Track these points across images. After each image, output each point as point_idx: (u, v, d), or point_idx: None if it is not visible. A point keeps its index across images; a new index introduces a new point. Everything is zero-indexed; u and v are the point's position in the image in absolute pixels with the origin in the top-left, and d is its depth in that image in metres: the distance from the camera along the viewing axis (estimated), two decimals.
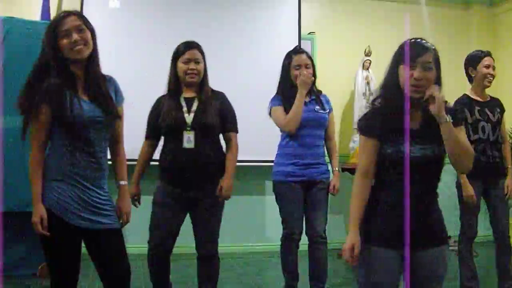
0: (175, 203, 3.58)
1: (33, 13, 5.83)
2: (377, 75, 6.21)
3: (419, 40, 2.47)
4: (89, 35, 2.69)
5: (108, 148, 2.85)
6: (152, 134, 3.75)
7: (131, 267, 2.86)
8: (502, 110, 4.47)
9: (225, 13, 6.57)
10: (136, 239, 5.84)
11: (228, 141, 3.77)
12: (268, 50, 6.47)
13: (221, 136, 3.77)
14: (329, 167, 4.16)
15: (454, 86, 5.34)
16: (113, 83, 2.86)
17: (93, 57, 2.73)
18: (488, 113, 4.36)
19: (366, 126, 2.52)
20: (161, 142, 3.77)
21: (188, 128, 3.55)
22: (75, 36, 2.63)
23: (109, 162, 2.86)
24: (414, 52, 2.40)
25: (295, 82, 3.97)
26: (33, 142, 2.63)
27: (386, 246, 2.45)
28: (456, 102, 4.41)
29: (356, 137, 6.36)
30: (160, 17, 6.39)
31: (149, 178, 3.81)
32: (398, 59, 2.48)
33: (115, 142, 2.91)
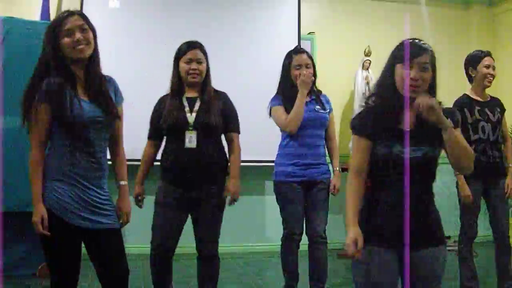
0: (177, 204, 3.57)
1: (33, 13, 5.83)
2: (377, 75, 6.20)
3: (416, 40, 2.47)
4: (91, 35, 2.70)
5: (107, 148, 2.85)
6: (154, 134, 3.74)
7: (131, 267, 2.86)
8: (503, 110, 4.46)
9: (224, 13, 6.58)
10: (136, 239, 5.86)
11: (230, 141, 3.76)
12: (268, 50, 6.48)
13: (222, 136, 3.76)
14: (330, 167, 4.16)
15: (454, 86, 5.35)
16: (113, 84, 2.86)
17: (94, 57, 2.73)
18: (488, 113, 4.35)
19: (359, 125, 2.52)
20: (162, 143, 3.77)
21: (190, 128, 3.55)
22: (78, 35, 2.63)
23: (109, 163, 2.85)
24: (412, 52, 2.40)
25: (295, 82, 3.97)
26: (33, 142, 2.63)
27: (384, 246, 2.45)
28: (456, 102, 4.41)
29: None
30: (160, 17, 6.40)
31: (150, 178, 3.81)
32: (394, 58, 2.48)
33: (115, 142, 2.91)
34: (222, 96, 3.73)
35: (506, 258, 4.36)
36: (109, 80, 2.84)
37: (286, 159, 4.02)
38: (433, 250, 2.48)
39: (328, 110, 4.09)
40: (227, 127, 3.71)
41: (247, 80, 6.27)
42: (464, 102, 4.38)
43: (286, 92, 4.01)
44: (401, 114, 2.48)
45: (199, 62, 3.61)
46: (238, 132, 3.77)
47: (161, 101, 3.71)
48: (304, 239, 4.03)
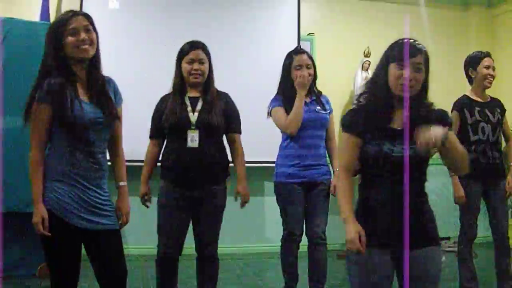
0: (179, 204, 3.57)
1: (33, 14, 5.82)
2: None
3: (411, 40, 2.47)
4: (95, 36, 2.70)
5: (107, 149, 2.85)
6: (156, 133, 3.72)
7: (130, 268, 2.86)
8: (503, 111, 4.46)
9: (224, 14, 6.57)
10: (136, 240, 5.87)
11: (232, 142, 3.78)
12: (268, 50, 6.48)
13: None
14: (330, 168, 4.16)
15: (453, 86, 5.37)
16: (113, 84, 2.87)
17: (96, 58, 2.74)
18: (488, 114, 4.36)
19: (350, 123, 2.53)
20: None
21: (193, 127, 3.54)
22: (83, 35, 2.64)
23: (108, 163, 2.85)
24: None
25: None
26: (33, 142, 2.63)
27: (376, 246, 2.45)
28: (456, 102, 4.42)
29: None
30: (160, 17, 6.40)
31: (151, 178, 3.79)
32: (388, 58, 2.49)
33: (114, 143, 2.91)
34: (224, 97, 3.73)
35: (506, 259, 4.36)
36: (109, 81, 2.84)
37: (286, 160, 4.02)
38: (426, 250, 2.47)
39: (328, 111, 4.09)
40: (229, 128, 3.72)
41: (247, 81, 6.27)
42: (464, 103, 4.39)
43: (287, 93, 4.00)
44: (392, 113, 2.49)
45: (201, 62, 3.60)
46: (240, 133, 3.78)
47: (163, 100, 3.70)
48: (304, 240, 4.04)
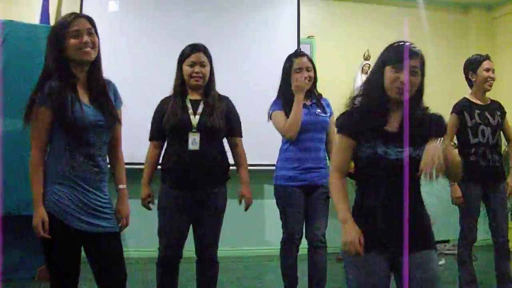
0: (180, 206, 3.56)
1: (33, 15, 5.83)
2: None
3: (408, 44, 2.47)
4: (97, 39, 2.70)
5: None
6: (157, 135, 3.72)
7: (130, 271, 2.86)
8: (503, 113, 4.46)
9: (224, 16, 6.58)
10: (136, 243, 5.86)
11: (234, 146, 3.79)
12: (268, 53, 6.49)
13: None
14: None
15: (453, 89, 5.37)
16: (112, 87, 2.87)
17: (97, 61, 2.74)
18: (488, 116, 4.35)
19: (345, 124, 2.54)
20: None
21: (194, 130, 3.54)
22: (85, 37, 2.64)
23: (108, 166, 2.85)
24: (403, 55, 2.41)
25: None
26: (33, 144, 2.63)
27: (373, 249, 2.44)
28: (456, 105, 4.42)
29: None
30: (160, 20, 6.40)
31: (152, 181, 3.79)
32: (384, 60, 2.48)
33: (114, 145, 2.91)
34: (225, 100, 3.73)
35: (506, 262, 4.35)
36: (109, 84, 2.84)
37: (286, 163, 4.01)
38: (423, 253, 2.46)
39: (328, 114, 4.08)
40: (230, 131, 3.73)
41: (246, 83, 6.27)
42: (464, 106, 4.39)
43: (287, 96, 4.00)
44: (387, 115, 2.49)
45: (202, 65, 3.60)
46: (241, 136, 3.80)
47: (164, 102, 3.70)
48: (303, 243, 4.03)
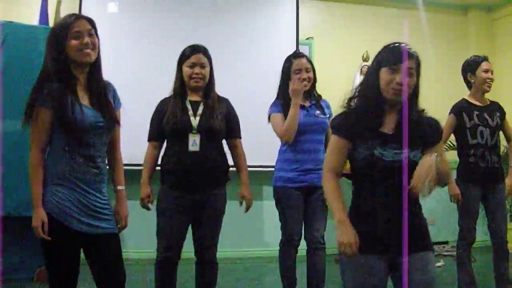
0: (179, 208, 3.55)
1: (32, 16, 5.83)
2: None
3: (403, 45, 2.47)
4: (97, 41, 2.70)
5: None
6: (156, 136, 3.71)
7: (129, 272, 2.86)
8: (503, 114, 4.46)
9: (223, 17, 6.57)
10: (135, 244, 5.85)
11: (234, 147, 3.79)
12: (267, 54, 6.49)
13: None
14: None
15: (453, 90, 5.38)
16: (112, 89, 2.87)
17: (97, 63, 2.74)
18: (487, 117, 4.36)
19: (340, 125, 2.54)
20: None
21: (194, 131, 3.54)
22: (86, 39, 2.64)
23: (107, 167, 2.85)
24: (398, 57, 2.41)
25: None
26: (33, 146, 2.63)
27: (370, 251, 2.44)
28: (455, 106, 4.42)
29: None
30: (159, 21, 6.40)
31: (151, 183, 3.79)
32: (379, 62, 2.48)
33: (113, 147, 2.91)
34: (224, 102, 3.74)
35: (504, 263, 4.35)
36: (108, 85, 2.84)
37: (285, 165, 4.01)
38: (420, 255, 2.46)
39: (328, 115, 4.08)
40: (230, 133, 3.73)
41: (246, 84, 6.27)
42: (462, 107, 4.39)
43: (286, 97, 3.99)
44: (383, 117, 2.49)
45: (202, 66, 3.60)
46: (241, 138, 3.80)
47: (163, 102, 3.70)
48: (302, 244, 4.03)
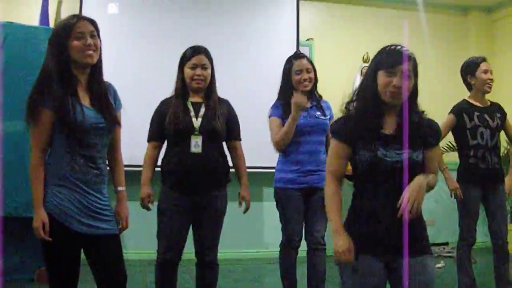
0: (181, 209, 3.55)
1: (32, 16, 5.83)
2: None
3: (400, 47, 2.47)
4: (99, 42, 2.70)
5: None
6: (157, 136, 3.70)
7: (129, 273, 2.86)
8: (503, 115, 4.46)
9: (223, 18, 6.57)
10: (135, 245, 5.85)
11: (233, 149, 3.79)
12: (267, 55, 6.50)
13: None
14: None
15: (453, 91, 5.37)
16: (112, 90, 2.87)
17: (98, 64, 2.74)
18: (488, 118, 4.36)
19: (340, 130, 2.53)
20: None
21: (196, 133, 3.54)
22: (89, 40, 2.64)
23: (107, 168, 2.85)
24: (395, 60, 2.41)
25: (296, 87, 3.97)
26: (33, 146, 2.62)
27: (370, 253, 2.44)
28: (455, 107, 4.43)
29: None
30: (159, 21, 6.40)
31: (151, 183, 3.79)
32: (377, 64, 2.48)
33: (113, 148, 2.91)
34: (225, 103, 3.74)
35: (505, 264, 4.35)
36: (109, 86, 2.84)
37: (286, 166, 4.01)
38: (420, 259, 2.46)
39: (328, 117, 4.08)
40: (230, 135, 3.73)
41: (246, 85, 6.28)
42: (463, 107, 4.39)
43: (287, 98, 4.00)
44: (383, 119, 2.49)
45: (204, 67, 3.60)
46: (240, 140, 3.81)
47: (164, 103, 3.69)
48: (302, 245, 4.03)
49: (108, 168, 2.86)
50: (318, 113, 4.03)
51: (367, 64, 6.76)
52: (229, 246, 5.34)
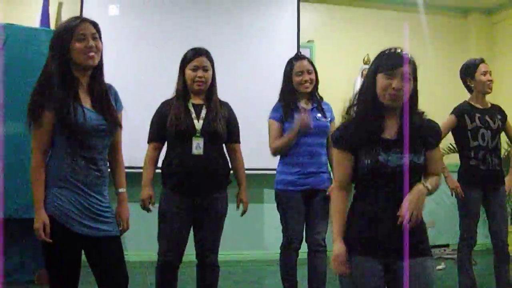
0: (182, 211, 3.55)
1: (33, 18, 5.83)
2: None
3: (399, 50, 2.48)
4: (101, 44, 2.71)
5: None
6: (158, 137, 3.70)
7: (130, 274, 2.86)
8: (504, 117, 4.47)
9: (224, 20, 6.58)
10: (136, 247, 5.85)
11: (233, 151, 3.80)
12: (267, 57, 6.50)
13: None
14: (331, 175, 4.14)
15: (453, 93, 5.37)
16: (113, 91, 2.87)
17: (99, 66, 2.75)
18: (489, 120, 4.36)
19: (341, 138, 2.53)
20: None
21: (198, 135, 3.54)
22: (91, 42, 2.64)
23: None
24: (394, 62, 2.41)
25: (297, 88, 3.97)
26: (34, 148, 2.63)
27: (369, 256, 2.44)
28: (457, 108, 4.42)
29: None
30: (160, 23, 6.40)
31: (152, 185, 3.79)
32: (376, 68, 2.48)
33: (114, 149, 2.91)
34: (226, 106, 3.75)
35: (505, 266, 4.35)
36: (109, 88, 2.84)
37: (287, 168, 4.01)
38: (420, 261, 2.46)
39: (329, 119, 4.08)
40: (231, 137, 3.74)
41: (246, 87, 6.29)
42: (464, 109, 4.39)
43: (288, 99, 4.00)
44: (384, 123, 2.49)
45: (205, 69, 3.60)
46: (240, 143, 3.82)
47: (165, 104, 3.69)
48: (303, 247, 4.03)
49: (109, 169, 2.86)
50: (319, 115, 4.03)
51: (367, 66, 6.75)
52: (229, 248, 5.34)
